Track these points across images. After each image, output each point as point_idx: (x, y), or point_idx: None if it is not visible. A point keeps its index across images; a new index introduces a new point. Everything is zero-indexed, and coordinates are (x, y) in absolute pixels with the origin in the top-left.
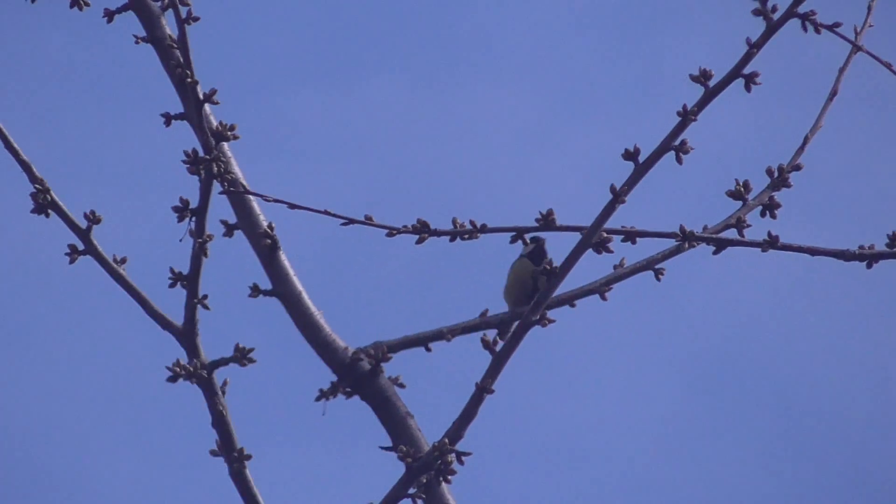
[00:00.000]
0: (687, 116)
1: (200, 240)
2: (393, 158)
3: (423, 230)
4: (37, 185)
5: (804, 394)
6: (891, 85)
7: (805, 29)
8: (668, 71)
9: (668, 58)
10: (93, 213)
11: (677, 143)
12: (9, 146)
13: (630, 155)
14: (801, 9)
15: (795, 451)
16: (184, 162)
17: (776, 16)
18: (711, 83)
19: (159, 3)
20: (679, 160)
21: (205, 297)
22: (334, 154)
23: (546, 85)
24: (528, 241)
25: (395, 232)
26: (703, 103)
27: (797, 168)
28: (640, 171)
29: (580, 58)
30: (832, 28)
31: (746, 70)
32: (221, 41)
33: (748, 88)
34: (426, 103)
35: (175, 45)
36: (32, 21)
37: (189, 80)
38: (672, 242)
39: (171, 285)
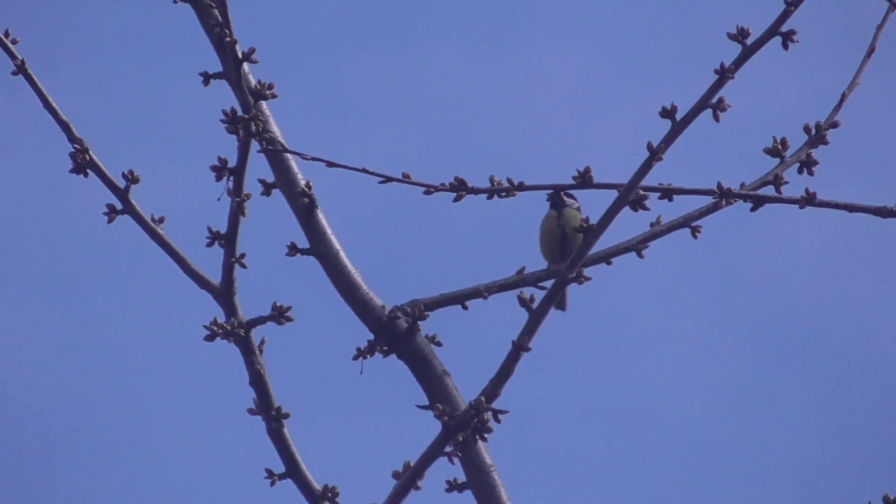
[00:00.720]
0: (724, 74)
1: (238, 199)
2: (441, 120)
3: (460, 188)
4: (76, 145)
5: (843, 349)
6: None
7: None
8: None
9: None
10: (131, 172)
11: (714, 101)
12: (48, 106)
13: (667, 113)
14: None
15: (831, 401)
16: (222, 121)
17: None
18: (749, 41)
19: None
20: (716, 118)
21: (242, 256)
22: (382, 116)
23: (606, 45)
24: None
25: (432, 190)
26: (740, 61)
27: (834, 125)
28: (677, 128)
29: (642, 17)
30: None
31: (784, 28)
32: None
33: (785, 46)
34: (479, 65)
35: (213, 5)
36: None
37: (228, 39)
38: (709, 200)
39: (209, 244)
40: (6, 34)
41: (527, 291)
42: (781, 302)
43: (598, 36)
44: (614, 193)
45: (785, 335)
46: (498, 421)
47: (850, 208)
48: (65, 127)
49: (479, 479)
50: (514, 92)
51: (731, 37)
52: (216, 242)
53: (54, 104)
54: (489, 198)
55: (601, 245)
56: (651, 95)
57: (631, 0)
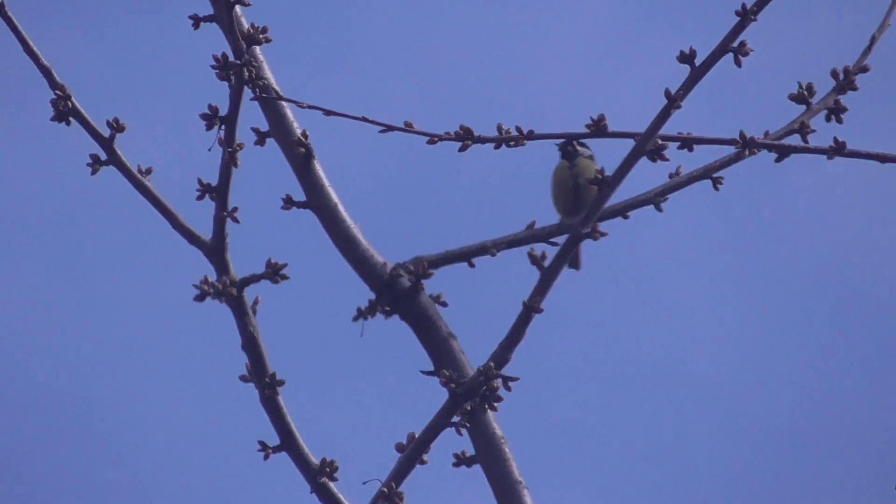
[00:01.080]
0: (746, 16)
1: (230, 149)
2: (450, 67)
3: (466, 137)
4: (57, 91)
5: (875, 306)
6: None
7: None
8: None
9: None
10: (116, 120)
11: (736, 44)
12: (28, 50)
13: (685, 58)
14: None
15: (861, 359)
16: (213, 67)
17: None
18: None
19: None
20: (738, 63)
21: (235, 209)
22: (387, 62)
23: None
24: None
25: (436, 139)
26: (763, 1)
27: (864, 70)
28: (697, 74)
29: None
30: None
31: None
32: None
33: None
34: (490, 9)
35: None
36: None
37: None
38: (731, 150)
39: (199, 197)
40: None
41: (538, 248)
42: (808, 258)
43: None
44: (631, 143)
45: (811, 292)
46: (508, 389)
47: (883, 158)
48: (46, 72)
49: (489, 452)
50: (527, 37)
51: None
52: (207, 195)
53: (35, 48)
54: (497, 147)
55: (617, 198)
56: (671, 40)
57: None
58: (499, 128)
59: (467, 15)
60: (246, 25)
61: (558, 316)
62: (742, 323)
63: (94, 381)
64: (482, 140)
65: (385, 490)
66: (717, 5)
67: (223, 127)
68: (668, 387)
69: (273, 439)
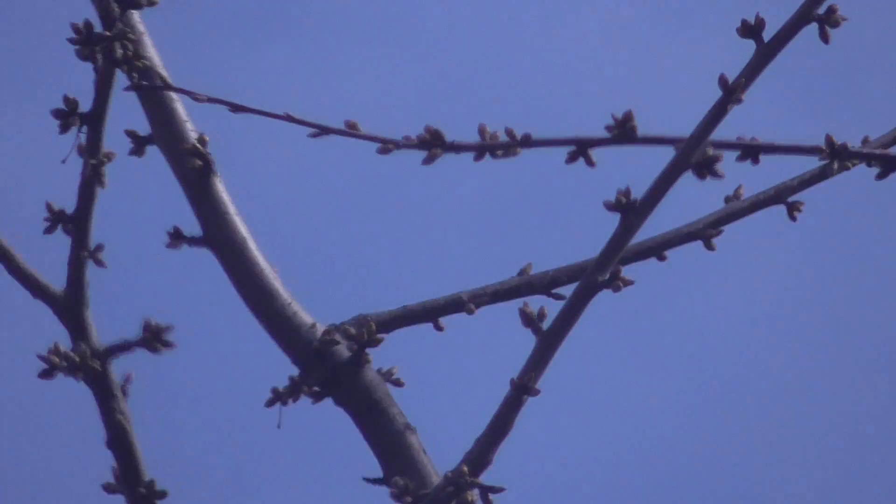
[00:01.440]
0: None
1: (94, 160)
2: (436, 54)
3: (433, 143)
4: None
5: None
6: None
7: None
8: None
9: None
10: None
11: (822, 10)
12: None
13: (750, 30)
14: None
15: None
16: (71, 41)
17: None
18: None
19: None
20: (825, 37)
21: (99, 247)
22: (341, 40)
23: None
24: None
25: (391, 147)
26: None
27: None
28: (766, 53)
29: None
30: None
31: None
32: None
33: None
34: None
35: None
36: None
37: None
38: (815, 162)
39: (49, 229)
40: None
41: (533, 303)
42: None
43: None
44: (671, 152)
45: None
46: (488, 502)
47: None
48: None
49: None
50: (542, 20)
51: None
52: (60, 226)
53: None
54: (478, 158)
55: (649, 230)
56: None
57: None
58: (481, 131)
59: None
60: None
61: (560, 397)
62: (825, 403)
63: None
64: (457, 148)
65: None
66: None
67: (85, 128)
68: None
69: None
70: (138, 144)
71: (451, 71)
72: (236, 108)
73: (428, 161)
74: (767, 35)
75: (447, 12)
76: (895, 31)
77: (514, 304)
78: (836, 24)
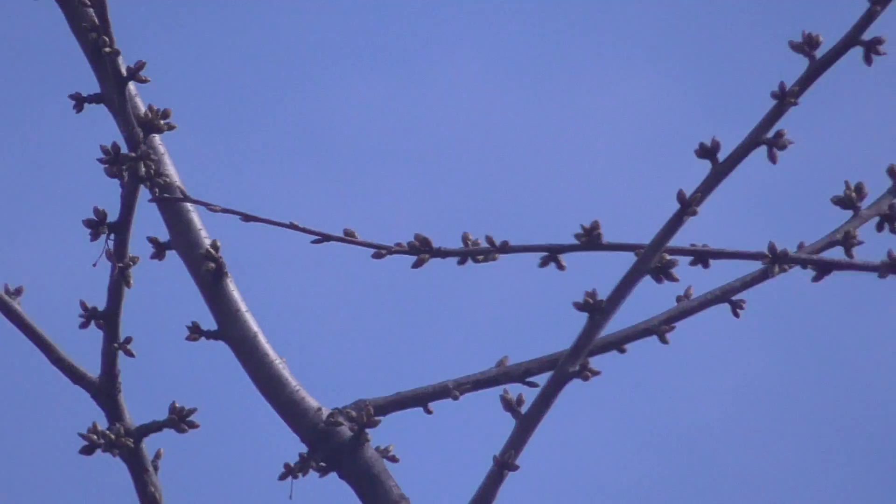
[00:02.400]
0: (785, 99)
1: (122, 264)
2: (435, 167)
3: (422, 249)
4: None
5: None
6: None
7: None
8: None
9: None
10: None
11: (771, 134)
12: None
13: (707, 151)
14: None
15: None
16: (100, 160)
17: None
18: (819, 53)
19: None
20: (773, 158)
21: (128, 340)
22: (319, 157)
23: (661, 75)
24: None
25: (384, 252)
26: (806, 81)
27: None
28: (720, 172)
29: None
30: None
31: (866, 36)
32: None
33: (868, 60)
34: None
35: (88, 3)
36: None
37: (107, 49)
38: (757, 265)
39: (84, 325)
40: None
41: (513, 390)
42: (853, 396)
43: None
44: (632, 257)
45: (863, 449)
46: None
47: None
48: None
49: None
50: (537, 134)
51: (795, 48)
52: (93, 322)
53: None
54: (461, 262)
55: (613, 327)
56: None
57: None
58: (465, 238)
59: (469, 99)
60: (143, 108)
61: (538, 472)
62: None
63: None
64: (443, 253)
65: None
66: (748, 94)
67: (112, 236)
68: None
69: None
70: (159, 249)
71: (440, 184)
72: (247, 218)
73: (417, 265)
74: (722, 156)
75: (438, 136)
76: (833, 151)
77: (494, 391)
78: (783, 147)
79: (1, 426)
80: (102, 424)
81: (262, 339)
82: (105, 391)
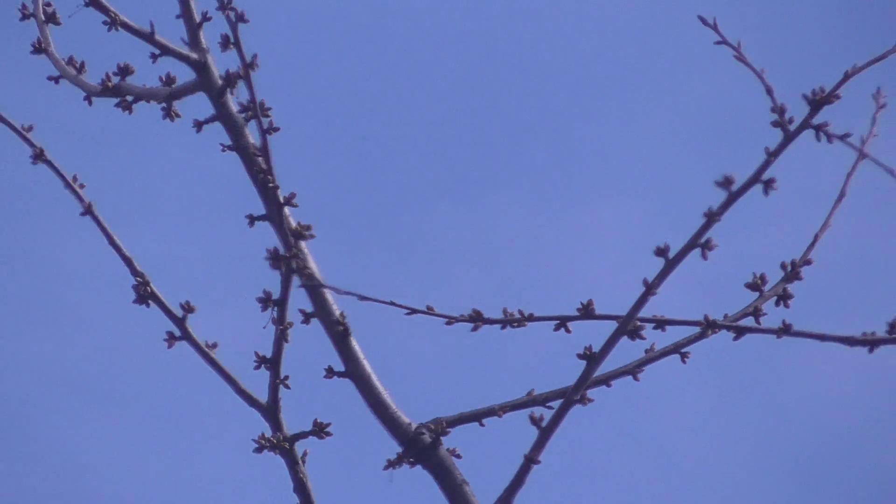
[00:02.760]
0: (711, 218)
1: (282, 327)
2: (497, 266)
3: (476, 319)
4: (138, 278)
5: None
6: (893, 189)
7: (818, 139)
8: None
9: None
10: (188, 303)
11: (703, 240)
12: (112, 243)
13: (661, 252)
14: (815, 120)
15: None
16: (266, 259)
17: (793, 126)
18: (734, 188)
19: (243, 115)
20: (704, 256)
21: (286, 377)
22: (436, 260)
23: (666, 200)
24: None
25: (452, 321)
26: (725, 206)
27: (807, 263)
28: (670, 266)
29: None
30: (842, 138)
31: (764, 176)
32: (312, 145)
33: (766, 192)
34: (536, 220)
35: (258, 153)
36: (129, 129)
37: (271, 185)
38: (696, 329)
39: (257, 367)
40: (74, 179)
41: (537, 411)
42: (756, 413)
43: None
44: (614, 324)
45: (763, 443)
46: None
47: (822, 338)
48: (128, 262)
49: None
50: (566, 246)
51: (717, 184)
52: (263, 365)
53: (118, 241)
54: (502, 328)
55: (602, 370)
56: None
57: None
58: (504, 311)
59: (519, 224)
60: (294, 223)
61: (555, 466)
62: (706, 472)
63: None
64: (490, 321)
65: None
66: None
67: (275, 308)
68: None
69: None
70: (306, 318)
71: (484, 276)
72: (362, 298)
73: (474, 329)
74: (671, 255)
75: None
76: (747, 249)
77: (525, 412)
78: (711, 249)
79: (202, 437)
80: (268, 433)
81: (374, 377)
82: (271, 411)
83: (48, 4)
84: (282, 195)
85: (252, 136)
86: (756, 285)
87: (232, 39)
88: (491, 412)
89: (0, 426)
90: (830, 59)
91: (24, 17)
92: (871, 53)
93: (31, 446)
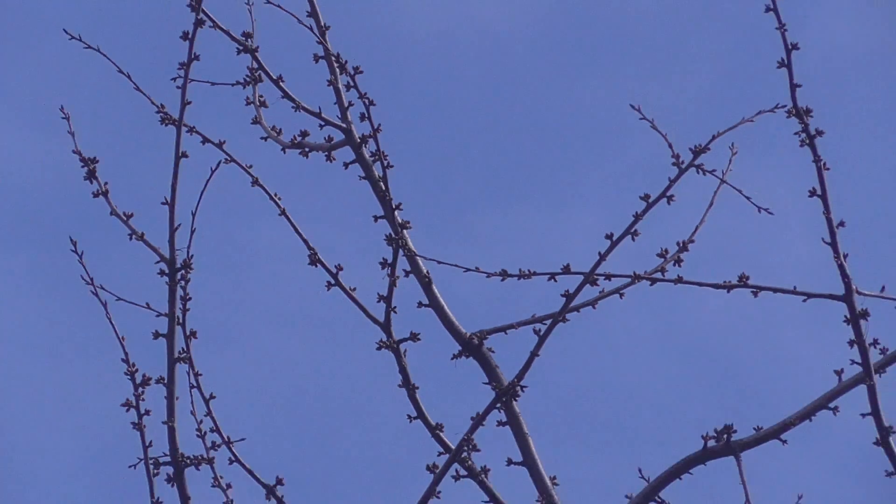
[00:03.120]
0: (637, 217)
1: (393, 278)
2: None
3: (504, 274)
4: (312, 251)
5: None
6: (743, 203)
7: (697, 172)
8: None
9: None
10: (339, 265)
11: (632, 230)
12: (297, 232)
13: (608, 236)
14: (697, 161)
15: None
16: (385, 240)
17: (683, 165)
18: (651, 199)
19: (371, 158)
20: (633, 239)
21: (395, 307)
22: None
23: None
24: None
25: (490, 275)
26: (645, 211)
27: (692, 241)
28: (613, 244)
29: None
30: (710, 172)
31: (669, 193)
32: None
33: (668, 202)
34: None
35: (381, 180)
36: (306, 167)
37: (388, 198)
38: (629, 279)
39: (378, 301)
40: (277, 196)
41: (538, 326)
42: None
43: None
44: (581, 277)
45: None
46: (522, 390)
47: (700, 284)
48: (306, 243)
49: (519, 436)
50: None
51: (640, 198)
52: (381, 300)
53: (301, 232)
54: (518, 279)
55: (575, 303)
56: None
57: None
58: (520, 270)
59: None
60: (400, 219)
61: (552, 359)
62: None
63: None
64: (511, 275)
65: None
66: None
67: (389, 268)
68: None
69: None
70: (406, 273)
71: None
72: (439, 262)
73: (502, 280)
74: (615, 237)
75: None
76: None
77: (530, 327)
78: (637, 235)
79: (344, 343)
80: (383, 338)
81: (446, 306)
82: (385, 327)
83: (261, 96)
84: (394, 203)
85: (376, 170)
86: (663, 255)
87: (366, 114)
88: (511, 326)
89: None
90: (717, 108)
91: (248, 103)
92: (742, 111)
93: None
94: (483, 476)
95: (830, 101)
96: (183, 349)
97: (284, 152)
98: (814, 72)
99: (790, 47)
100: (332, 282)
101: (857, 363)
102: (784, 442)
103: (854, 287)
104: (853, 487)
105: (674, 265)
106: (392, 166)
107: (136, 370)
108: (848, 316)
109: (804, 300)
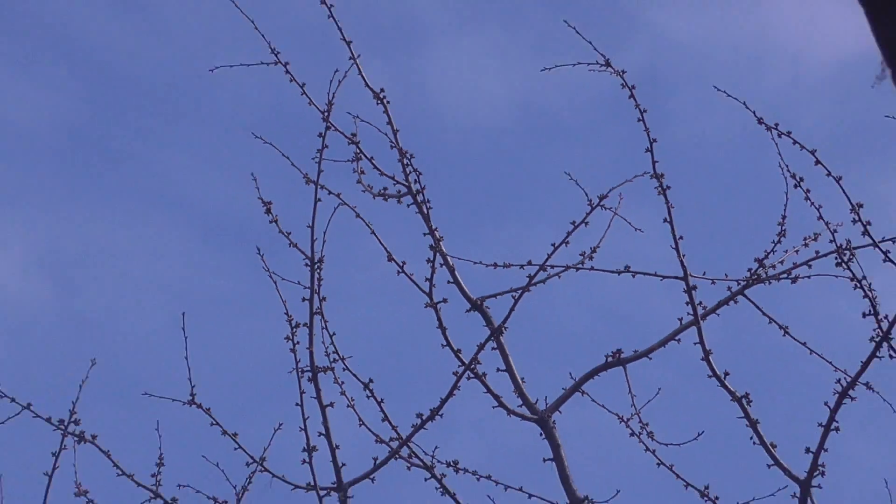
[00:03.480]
0: (569, 233)
1: (433, 269)
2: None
3: (509, 265)
4: (392, 260)
5: None
6: (638, 239)
7: (602, 208)
8: None
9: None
10: (399, 263)
11: (566, 239)
12: (374, 234)
13: (561, 243)
14: (604, 202)
15: None
16: (430, 247)
17: (592, 205)
18: (577, 223)
19: (421, 202)
20: (568, 236)
21: (443, 301)
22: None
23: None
24: None
25: (506, 266)
26: (570, 233)
27: (596, 250)
28: (562, 242)
29: None
30: (608, 208)
31: (587, 220)
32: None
33: (586, 225)
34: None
35: (427, 218)
36: (389, 211)
37: (431, 227)
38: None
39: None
40: (370, 224)
41: (515, 294)
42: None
43: None
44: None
45: None
46: (506, 330)
47: (634, 274)
48: (388, 252)
49: (503, 356)
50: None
51: (571, 223)
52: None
53: (380, 238)
54: (521, 268)
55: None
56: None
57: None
58: (522, 265)
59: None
60: (439, 235)
61: (525, 312)
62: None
63: None
64: (513, 265)
65: None
66: None
67: (431, 264)
68: None
69: None
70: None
71: None
72: (475, 262)
73: (505, 268)
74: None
75: None
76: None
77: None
78: (577, 228)
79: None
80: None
81: (464, 286)
82: (434, 306)
83: (362, 168)
84: (433, 227)
85: (424, 208)
86: (583, 254)
87: (417, 179)
88: (500, 294)
89: None
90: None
91: (354, 171)
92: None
93: None
94: (483, 377)
95: (685, 172)
96: (318, 307)
97: (374, 199)
98: (671, 149)
99: (652, 140)
100: (400, 270)
101: (690, 315)
102: (651, 359)
103: (688, 272)
104: (693, 389)
105: (588, 260)
106: (431, 207)
107: (292, 319)
108: (685, 288)
109: (661, 280)
